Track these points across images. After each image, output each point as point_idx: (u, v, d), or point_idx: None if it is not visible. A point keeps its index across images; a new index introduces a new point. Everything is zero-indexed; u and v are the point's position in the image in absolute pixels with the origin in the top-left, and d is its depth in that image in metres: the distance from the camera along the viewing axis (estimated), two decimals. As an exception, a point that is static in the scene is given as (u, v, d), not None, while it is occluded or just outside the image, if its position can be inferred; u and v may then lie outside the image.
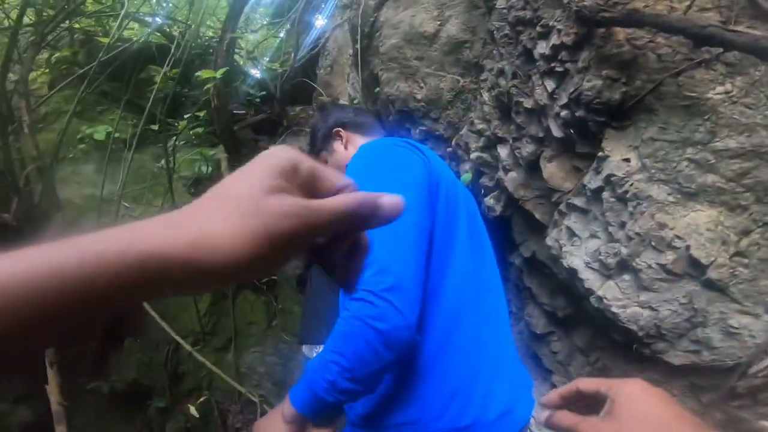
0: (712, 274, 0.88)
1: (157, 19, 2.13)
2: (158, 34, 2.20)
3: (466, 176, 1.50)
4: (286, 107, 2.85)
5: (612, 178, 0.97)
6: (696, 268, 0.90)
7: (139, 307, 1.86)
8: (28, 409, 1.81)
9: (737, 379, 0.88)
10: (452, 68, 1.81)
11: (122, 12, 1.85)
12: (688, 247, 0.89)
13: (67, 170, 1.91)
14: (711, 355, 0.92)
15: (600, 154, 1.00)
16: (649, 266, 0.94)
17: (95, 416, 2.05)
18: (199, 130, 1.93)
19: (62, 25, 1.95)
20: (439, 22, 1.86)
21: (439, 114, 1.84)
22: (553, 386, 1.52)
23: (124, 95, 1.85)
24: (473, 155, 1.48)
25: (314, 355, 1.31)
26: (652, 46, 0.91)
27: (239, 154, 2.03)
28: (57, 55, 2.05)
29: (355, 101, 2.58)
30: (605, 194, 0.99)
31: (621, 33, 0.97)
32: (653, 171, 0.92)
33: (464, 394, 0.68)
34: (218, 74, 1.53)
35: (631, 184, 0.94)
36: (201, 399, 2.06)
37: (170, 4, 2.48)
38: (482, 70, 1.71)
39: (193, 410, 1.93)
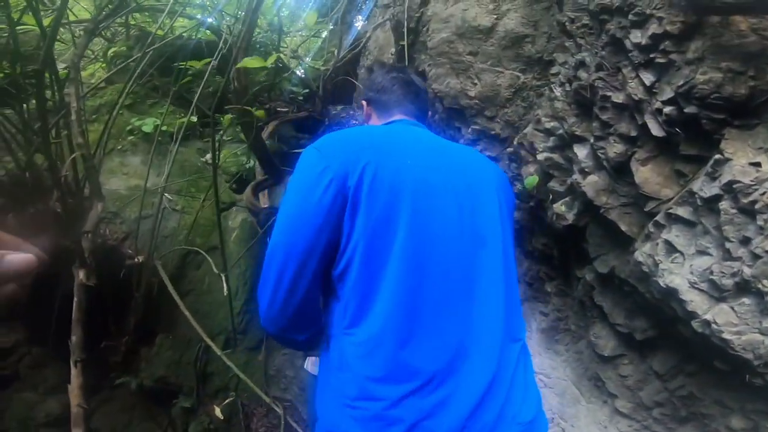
0: None
1: (207, 17, 2.14)
2: (208, 32, 2.20)
3: (532, 179, 1.37)
4: (328, 106, 2.81)
5: (735, 186, 0.82)
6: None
7: (174, 303, 1.83)
8: (56, 403, 1.80)
9: None
10: (511, 64, 1.69)
11: (167, 6, 1.84)
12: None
13: (116, 161, 1.93)
14: None
15: (717, 156, 0.86)
16: (779, 291, 0.79)
17: (120, 411, 2.03)
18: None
19: (118, 20, 1.97)
20: (495, 16, 1.74)
21: (496, 112, 1.71)
22: (616, 412, 1.37)
23: (173, 88, 1.84)
24: (541, 156, 1.34)
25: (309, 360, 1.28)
26: None
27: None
28: (113, 49, 2.10)
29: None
30: (724, 204, 0.84)
31: (743, 22, 0.83)
32: (793, 178, 0.77)
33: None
34: (270, 62, 1.47)
35: (763, 194, 0.78)
36: (227, 400, 2.00)
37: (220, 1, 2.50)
38: (547, 66, 1.58)
39: (218, 411, 1.88)
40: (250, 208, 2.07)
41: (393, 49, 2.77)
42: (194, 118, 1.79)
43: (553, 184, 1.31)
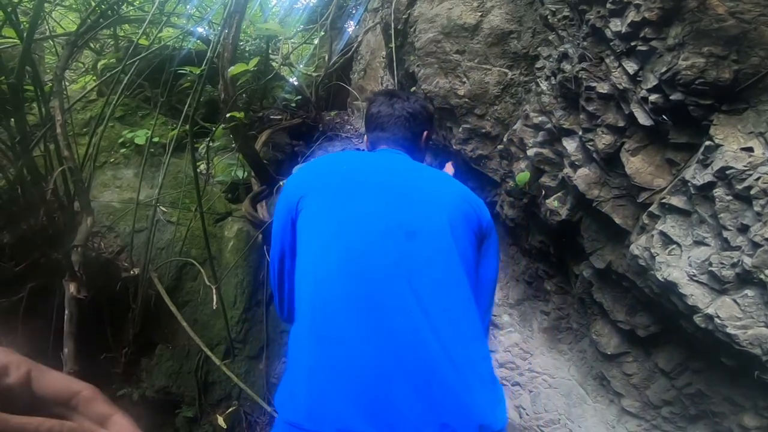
0: None
1: (196, 26, 2.15)
2: (198, 41, 2.22)
3: (523, 175, 1.34)
4: (321, 112, 2.81)
5: (728, 171, 0.79)
6: None
7: (172, 314, 1.82)
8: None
9: None
10: (498, 60, 1.67)
11: (152, 16, 1.84)
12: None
13: (108, 174, 1.93)
14: None
15: (708, 143, 0.82)
16: (782, 280, 0.75)
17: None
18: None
19: (106, 32, 1.99)
20: (480, 14, 1.73)
21: (485, 110, 1.69)
22: (624, 411, 1.33)
23: (161, 98, 1.85)
24: (531, 152, 1.31)
25: None
26: (766, 20, 0.73)
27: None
28: (103, 62, 2.12)
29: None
30: (718, 191, 0.81)
31: (720, 6, 0.80)
32: (788, 160, 0.73)
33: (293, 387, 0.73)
34: (251, 65, 1.46)
35: (757, 178, 0.75)
36: (230, 409, 1.99)
37: (208, 8, 2.51)
38: (534, 61, 1.56)
39: (221, 421, 1.87)
40: (250, 220, 2.07)
41: (384, 53, 2.77)
42: (186, 128, 1.80)
43: (545, 179, 1.29)
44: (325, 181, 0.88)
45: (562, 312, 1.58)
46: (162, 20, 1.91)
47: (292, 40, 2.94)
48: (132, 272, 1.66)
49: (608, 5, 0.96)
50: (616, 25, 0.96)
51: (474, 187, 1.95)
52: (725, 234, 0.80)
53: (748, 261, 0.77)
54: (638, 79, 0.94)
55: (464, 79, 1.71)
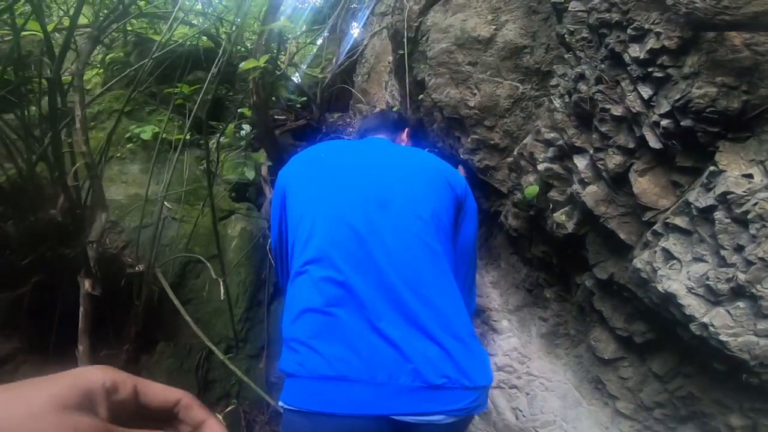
0: None
1: (207, 21, 2.14)
2: (205, 38, 2.21)
3: (532, 189, 1.40)
4: (325, 113, 2.83)
5: (729, 196, 0.86)
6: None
7: (174, 311, 1.82)
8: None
9: None
10: (510, 74, 1.74)
11: (170, 13, 1.84)
12: (824, 277, 0.78)
13: (114, 169, 1.91)
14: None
15: (712, 168, 0.90)
16: (772, 295, 0.83)
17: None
18: (245, 129, 1.90)
19: (115, 24, 1.96)
20: (494, 27, 1.79)
21: (495, 122, 1.75)
22: (618, 413, 1.40)
23: (174, 97, 1.84)
24: (541, 166, 1.38)
25: None
26: None
27: (278, 154, 1.99)
28: (110, 55, 2.08)
29: (394, 109, 2.53)
30: (718, 214, 0.88)
31: (737, 38, 0.88)
32: (783, 189, 0.81)
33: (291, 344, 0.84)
34: (261, 62, 1.48)
35: (755, 204, 0.83)
36: (229, 407, 1.99)
37: (218, 6, 2.50)
38: (545, 77, 1.63)
39: (220, 419, 1.87)
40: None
41: (390, 58, 2.81)
42: (189, 134, 1.80)
43: (553, 194, 1.35)
44: (308, 164, 1.00)
45: (560, 319, 1.65)
46: (179, 17, 1.90)
47: (297, 40, 2.95)
48: (137, 268, 1.64)
49: (629, 31, 1.03)
50: (635, 51, 1.02)
51: (478, 196, 2.01)
52: (722, 252, 0.88)
53: (742, 277, 0.85)
54: (652, 104, 1.00)
55: (475, 91, 1.77)
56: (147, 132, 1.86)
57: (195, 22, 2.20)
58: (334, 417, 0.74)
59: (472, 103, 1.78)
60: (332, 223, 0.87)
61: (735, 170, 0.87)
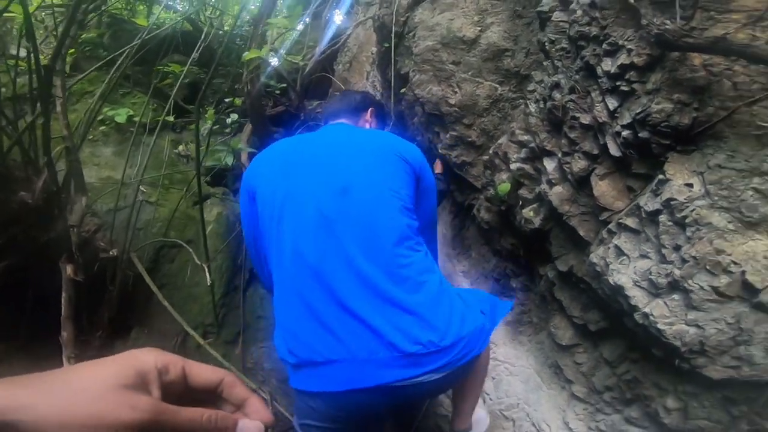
0: (764, 297, 0.90)
1: (190, 4, 2.05)
2: (185, 22, 2.12)
3: (504, 186, 1.50)
4: (304, 101, 2.80)
5: (672, 202, 0.98)
6: (749, 291, 0.92)
7: (148, 297, 1.80)
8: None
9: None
10: (490, 75, 1.81)
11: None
12: (743, 273, 0.91)
13: (87, 152, 1.82)
14: (751, 371, 0.94)
15: (661, 177, 1.01)
16: (701, 288, 0.96)
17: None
18: (235, 116, 1.87)
19: (92, 5, 1.85)
20: (479, 28, 1.85)
21: (473, 120, 1.83)
22: (573, 396, 1.53)
23: (153, 81, 1.77)
24: (513, 166, 1.47)
25: None
26: (729, 73, 0.91)
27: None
28: (83, 35, 1.96)
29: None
30: (662, 217, 1.00)
31: (697, 58, 0.97)
32: (716, 198, 0.93)
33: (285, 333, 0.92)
34: (263, 53, 1.48)
35: (693, 210, 0.95)
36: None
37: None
38: (523, 80, 1.71)
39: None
40: None
41: (374, 49, 2.81)
42: (171, 118, 1.75)
43: (523, 192, 1.45)
44: (271, 164, 1.05)
45: (524, 307, 1.78)
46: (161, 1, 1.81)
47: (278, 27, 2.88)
48: (111, 253, 1.61)
49: (604, 45, 1.11)
50: (607, 65, 1.11)
51: (453, 189, 2.09)
52: (663, 251, 1.00)
53: (677, 272, 0.97)
54: (616, 115, 1.10)
55: (457, 89, 1.83)
56: (122, 115, 1.79)
57: (179, 6, 2.11)
58: (334, 394, 0.82)
59: (452, 101, 1.85)
60: (301, 216, 0.93)
61: (679, 179, 0.98)
